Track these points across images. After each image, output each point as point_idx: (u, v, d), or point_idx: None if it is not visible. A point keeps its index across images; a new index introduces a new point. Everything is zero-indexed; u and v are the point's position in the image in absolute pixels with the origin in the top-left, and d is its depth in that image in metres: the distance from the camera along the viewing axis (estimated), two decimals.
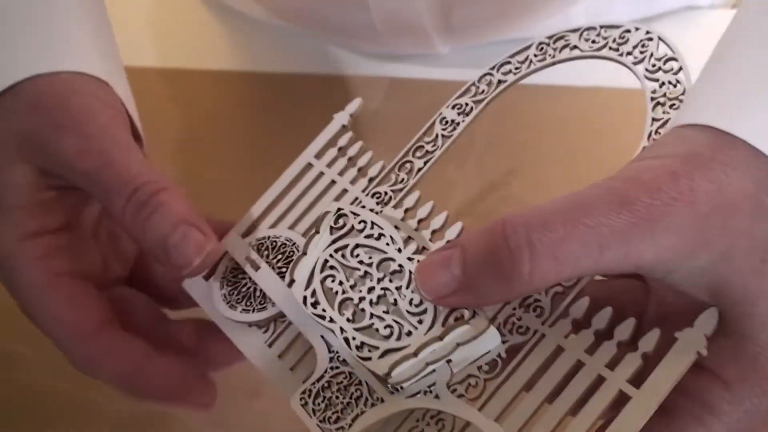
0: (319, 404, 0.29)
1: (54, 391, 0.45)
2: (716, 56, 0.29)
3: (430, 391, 0.28)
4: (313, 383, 0.30)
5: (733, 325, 0.25)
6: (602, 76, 0.46)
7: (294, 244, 0.34)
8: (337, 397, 0.29)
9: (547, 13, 0.51)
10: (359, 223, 0.31)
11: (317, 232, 0.31)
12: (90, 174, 0.31)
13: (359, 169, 0.35)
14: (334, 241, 0.31)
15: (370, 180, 0.34)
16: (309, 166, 0.36)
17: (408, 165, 0.34)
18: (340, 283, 0.30)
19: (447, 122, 0.34)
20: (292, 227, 0.35)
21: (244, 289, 0.34)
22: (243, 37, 0.57)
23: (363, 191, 0.34)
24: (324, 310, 0.30)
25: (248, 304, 0.33)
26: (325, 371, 0.30)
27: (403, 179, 0.34)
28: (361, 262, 0.30)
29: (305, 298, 0.30)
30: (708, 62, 0.29)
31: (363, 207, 0.33)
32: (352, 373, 0.30)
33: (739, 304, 0.25)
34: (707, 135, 0.26)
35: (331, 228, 0.31)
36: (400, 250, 0.30)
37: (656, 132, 0.29)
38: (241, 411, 0.43)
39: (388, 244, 0.30)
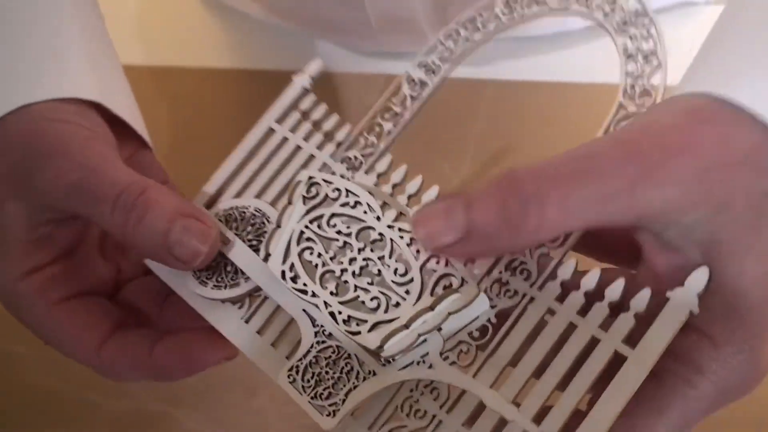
0: (308, 381, 0.29)
1: (54, 391, 0.45)
2: (715, 31, 0.29)
3: (423, 361, 0.28)
4: (300, 359, 0.29)
5: (723, 282, 0.25)
6: (601, 72, 0.46)
7: (263, 214, 0.32)
8: (327, 372, 0.29)
9: None
10: (333, 191, 0.30)
11: (290, 203, 0.30)
12: (73, 190, 0.31)
13: (325, 134, 0.34)
14: (308, 212, 0.30)
15: (339, 145, 0.33)
16: (271, 132, 0.34)
17: (377, 128, 0.33)
18: (319, 255, 0.29)
19: (414, 82, 0.33)
20: (258, 196, 0.33)
21: (213, 264, 0.32)
22: (238, 35, 0.57)
23: (331, 157, 0.33)
24: (305, 285, 0.29)
25: (219, 279, 0.32)
26: (312, 346, 0.29)
27: (373, 143, 0.33)
28: (339, 232, 0.30)
29: (283, 272, 0.29)
30: (707, 37, 0.29)
31: (333, 174, 0.32)
32: (339, 347, 0.29)
33: (730, 259, 0.25)
34: (710, 99, 0.26)
35: (304, 198, 0.30)
36: (378, 218, 0.30)
37: (631, 87, 0.30)
38: (239, 409, 0.43)
39: (365, 212, 0.30)
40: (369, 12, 0.49)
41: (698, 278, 0.25)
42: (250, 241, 0.32)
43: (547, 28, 0.51)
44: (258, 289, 0.31)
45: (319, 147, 0.33)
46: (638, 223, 0.26)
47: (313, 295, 0.29)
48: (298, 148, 0.33)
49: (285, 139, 0.34)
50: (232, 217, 0.33)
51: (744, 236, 0.25)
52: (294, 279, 0.29)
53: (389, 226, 0.29)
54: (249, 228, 0.32)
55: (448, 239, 0.26)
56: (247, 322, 0.31)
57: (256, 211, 0.33)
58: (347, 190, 0.30)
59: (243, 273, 0.31)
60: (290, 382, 0.29)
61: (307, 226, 0.30)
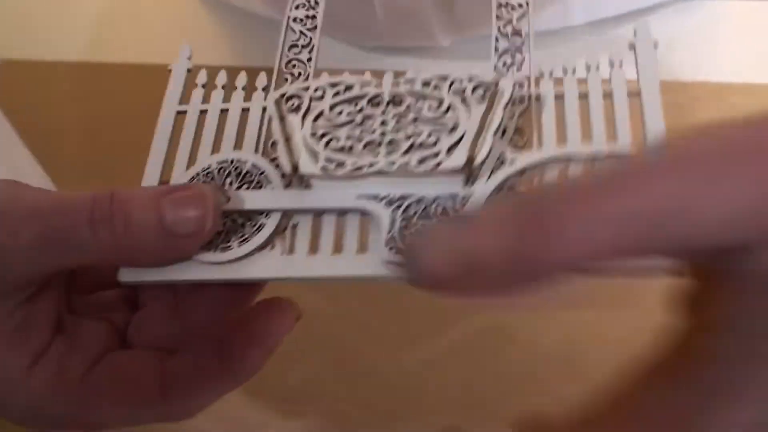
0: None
1: None
2: None
3: (502, 162, 0.28)
4: (390, 237, 0.27)
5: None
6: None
7: (245, 161, 0.30)
8: (423, 227, 0.28)
9: (546, 4, 0.50)
10: (315, 91, 0.30)
11: (282, 117, 0.29)
12: (38, 240, 0.27)
13: (244, 89, 0.33)
14: (304, 117, 0.29)
15: (265, 89, 0.32)
16: (182, 114, 0.32)
17: (294, 62, 0.33)
18: (348, 137, 0.28)
19: (301, 20, 0.34)
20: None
21: (221, 229, 0.29)
22: (241, 32, 0.57)
23: (265, 100, 0.32)
24: (356, 162, 0.27)
25: (240, 235, 0.29)
26: (392, 220, 0.28)
27: (300, 72, 0.32)
28: (350, 113, 0.29)
29: (324, 168, 0.28)
30: None
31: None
32: (420, 200, 0.28)
33: None
34: None
35: (288, 111, 0.29)
36: (379, 85, 0.29)
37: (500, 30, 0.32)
38: (241, 406, 0.43)
39: (362, 87, 0.29)
40: (375, 3, 0.49)
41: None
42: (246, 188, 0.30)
43: (551, 23, 0.51)
44: (282, 223, 0.29)
45: (245, 101, 0.32)
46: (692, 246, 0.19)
47: (371, 165, 0.27)
48: (225, 111, 0.32)
49: (204, 112, 0.33)
50: (211, 176, 0.31)
51: None
52: (340, 166, 0.28)
53: (395, 84, 0.29)
54: (234, 179, 0.30)
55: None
56: (291, 252, 0.29)
57: (235, 160, 0.31)
58: (329, 83, 0.30)
59: (260, 214, 0.29)
60: (391, 255, 0.27)
61: (313, 127, 0.29)
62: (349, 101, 0.29)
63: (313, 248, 0.29)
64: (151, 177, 0.31)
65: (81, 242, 0.27)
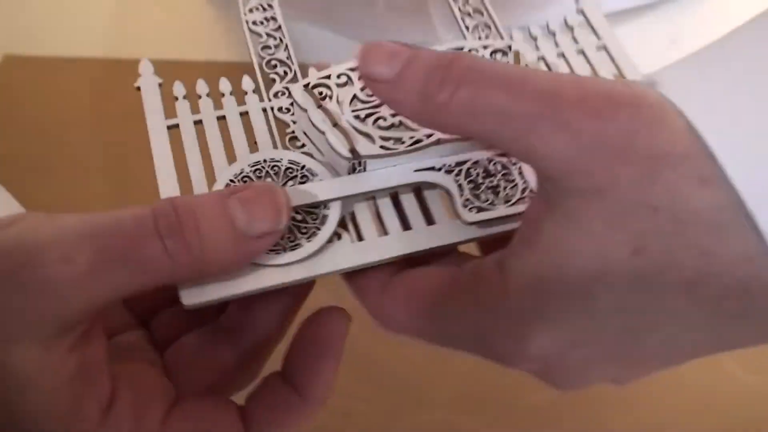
0: (485, 199, 0.29)
1: None
2: (719, 42, 0.28)
3: None
4: (466, 198, 0.29)
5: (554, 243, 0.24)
6: None
7: (280, 159, 0.30)
8: (492, 182, 0.29)
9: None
10: (339, 77, 0.30)
11: (319, 105, 0.29)
12: (97, 255, 0.24)
13: (232, 93, 0.32)
14: (340, 105, 0.29)
15: (256, 91, 0.32)
16: (173, 128, 0.31)
17: (274, 62, 0.33)
18: (392, 114, 0.29)
19: (261, 23, 0.34)
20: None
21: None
22: (239, 26, 0.57)
23: (261, 102, 0.32)
24: (412, 137, 0.28)
25: (304, 231, 0.28)
26: (461, 187, 0.29)
27: (286, 71, 0.33)
28: None
29: (384, 146, 0.28)
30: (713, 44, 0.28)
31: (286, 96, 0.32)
32: (475, 164, 0.29)
33: (575, 222, 0.24)
34: (669, 104, 0.24)
35: (321, 99, 0.29)
36: None
37: None
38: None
39: None
40: None
41: None
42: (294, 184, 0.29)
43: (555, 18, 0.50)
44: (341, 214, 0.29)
45: (240, 106, 0.32)
46: (526, 160, 0.25)
47: (429, 135, 0.28)
48: (222, 118, 0.31)
49: (199, 122, 0.31)
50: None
51: (597, 227, 0.23)
52: (399, 142, 0.28)
53: None
54: (276, 179, 0.29)
55: (377, 72, 0.26)
56: (361, 240, 0.28)
57: (269, 160, 0.30)
58: (348, 68, 0.30)
59: (318, 207, 0.29)
60: (475, 215, 0.28)
61: (354, 111, 0.29)
62: None
63: (381, 230, 0.29)
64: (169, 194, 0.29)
65: (149, 260, 0.24)
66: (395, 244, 0.28)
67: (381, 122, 0.29)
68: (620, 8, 0.51)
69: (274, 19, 0.34)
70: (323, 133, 0.28)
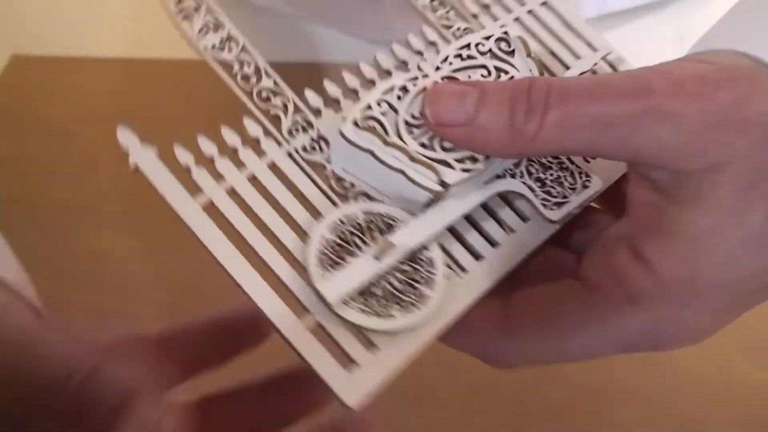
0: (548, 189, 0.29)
1: None
2: None
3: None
4: (542, 197, 0.29)
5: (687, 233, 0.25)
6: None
7: (355, 214, 0.28)
8: (551, 177, 0.29)
9: None
10: (378, 105, 0.28)
11: (386, 142, 0.27)
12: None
13: (244, 145, 0.29)
14: (398, 134, 0.28)
15: (266, 134, 0.29)
16: (188, 172, 0.28)
17: (264, 93, 0.30)
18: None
19: (218, 48, 0.31)
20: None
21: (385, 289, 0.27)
22: (243, 26, 0.57)
23: (280, 146, 0.29)
24: (475, 160, 0.27)
25: (414, 290, 0.27)
26: (532, 189, 0.29)
27: (285, 103, 0.30)
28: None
29: (465, 169, 0.27)
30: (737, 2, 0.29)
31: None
32: (531, 163, 0.29)
33: (705, 216, 0.25)
34: (747, 60, 0.26)
35: (376, 128, 0.27)
36: (413, 70, 0.29)
37: None
38: None
39: (408, 81, 0.29)
40: None
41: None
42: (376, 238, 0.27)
43: (585, 10, 0.50)
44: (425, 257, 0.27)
45: (250, 146, 0.29)
46: (633, 160, 0.26)
47: (487, 157, 0.27)
48: (235, 152, 0.28)
49: (212, 159, 0.28)
50: (339, 240, 0.27)
51: (728, 199, 0.25)
52: (471, 160, 0.27)
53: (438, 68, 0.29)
54: (372, 233, 0.28)
55: (449, 121, 0.26)
56: (463, 270, 0.28)
57: (350, 216, 0.28)
58: (382, 92, 0.28)
59: (421, 250, 0.27)
60: (558, 212, 0.29)
61: (414, 139, 0.28)
62: (413, 96, 0.28)
63: (475, 254, 0.28)
64: (249, 281, 0.26)
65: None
66: (496, 264, 0.28)
67: (446, 144, 0.28)
68: (628, 6, 0.52)
69: (233, 39, 0.31)
70: (401, 171, 0.27)
